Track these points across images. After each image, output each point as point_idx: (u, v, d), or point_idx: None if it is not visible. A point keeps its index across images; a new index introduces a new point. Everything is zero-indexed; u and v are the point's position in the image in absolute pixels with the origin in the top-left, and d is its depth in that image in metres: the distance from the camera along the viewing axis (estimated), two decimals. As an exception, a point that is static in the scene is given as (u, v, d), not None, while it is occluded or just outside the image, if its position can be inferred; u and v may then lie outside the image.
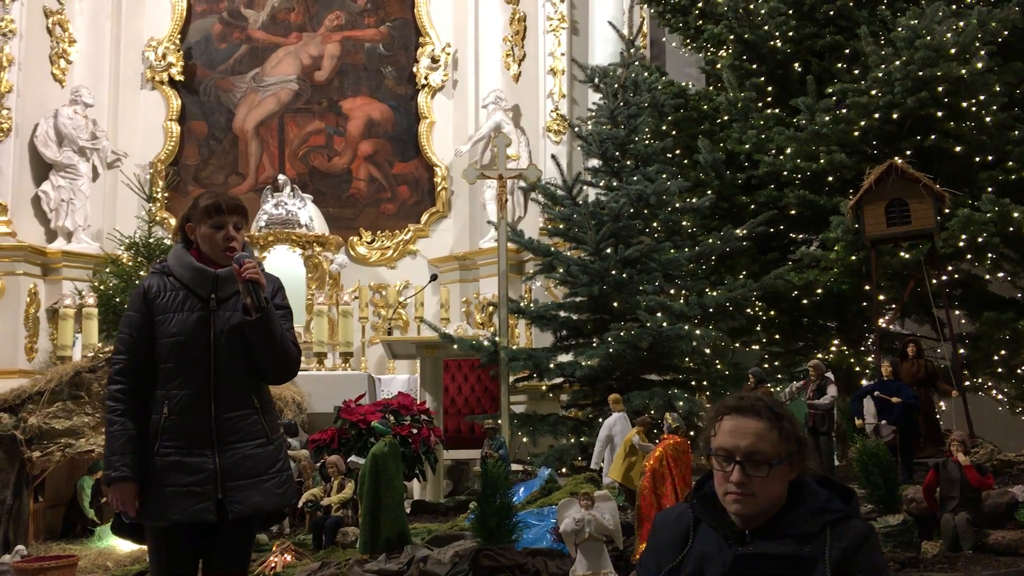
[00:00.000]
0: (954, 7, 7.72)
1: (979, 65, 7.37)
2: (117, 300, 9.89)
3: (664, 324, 7.35)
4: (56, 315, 10.08)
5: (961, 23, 7.39)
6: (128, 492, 3.07)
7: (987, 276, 7.98)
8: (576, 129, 9.06)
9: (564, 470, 7.39)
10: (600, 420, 6.75)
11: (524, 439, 8.05)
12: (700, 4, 9.54)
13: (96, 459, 7.88)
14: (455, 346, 8.18)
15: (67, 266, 10.84)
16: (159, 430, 3.11)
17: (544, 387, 8.80)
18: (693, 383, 7.88)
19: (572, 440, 7.56)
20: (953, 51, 7.30)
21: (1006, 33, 7.68)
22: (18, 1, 10.89)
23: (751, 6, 8.52)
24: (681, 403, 7.14)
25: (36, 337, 10.55)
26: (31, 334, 10.53)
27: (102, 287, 10.30)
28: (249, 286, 3.09)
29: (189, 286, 3.19)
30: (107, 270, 10.64)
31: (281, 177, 11.65)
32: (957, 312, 8.17)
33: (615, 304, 7.81)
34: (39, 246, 10.82)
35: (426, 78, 12.64)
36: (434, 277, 10.83)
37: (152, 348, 3.16)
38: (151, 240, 10.67)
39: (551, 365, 7.90)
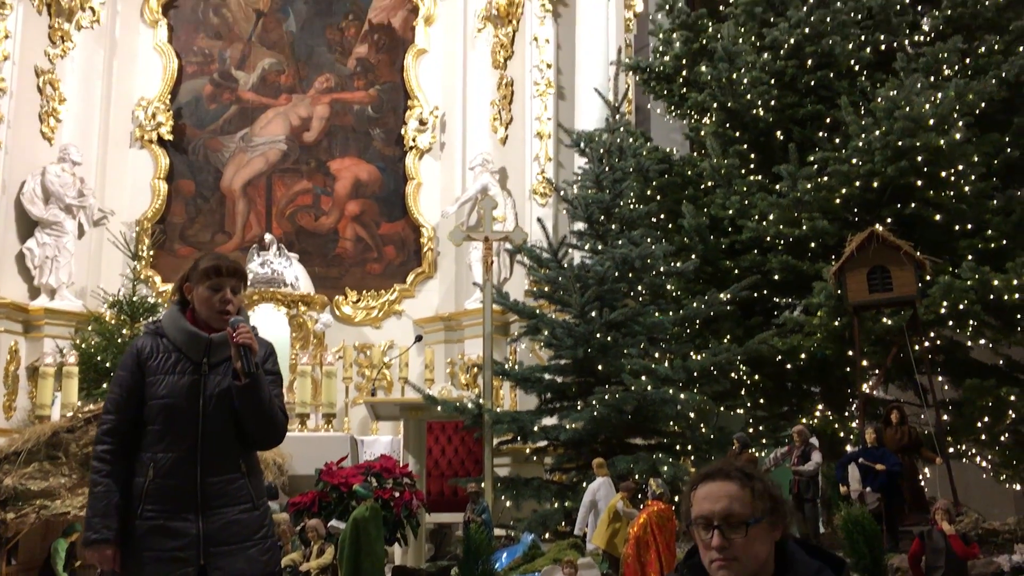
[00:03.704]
0: (932, 79, 7.90)
1: (957, 136, 7.52)
2: (99, 358, 9.81)
3: (649, 388, 7.35)
4: (36, 373, 9.98)
5: (939, 95, 7.56)
6: (108, 555, 3.02)
7: (969, 343, 8.04)
8: (562, 193, 9.16)
9: (548, 535, 7.31)
10: (584, 484, 6.71)
11: (507, 503, 7.98)
12: (684, 73, 9.73)
13: (72, 521, 7.73)
14: (439, 408, 8.14)
15: (49, 324, 10.76)
16: (143, 493, 3.07)
17: (528, 450, 8.75)
18: (678, 447, 7.85)
19: (556, 505, 7.50)
20: (932, 122, 7.46)
21: (983, 105, 7.86)
22: (9, 60, 10.99)
23: (734, 76, 8.69)
24: (666, 468, 7.11)
25: (15, 395, 10.43)
26: (10, 392, 10.40)
27: (84, 345, 10.21)
28: (241, 350, 3.08)
29: (182, 349, 3.18)
30: (89, 328, 10.56)
31: (268, 236, 11.66)
32: (940, 378, 8.21)
33: (600, 367, 7.81)
34: (21, 303, 10.75)
35: (414, 140, 12.76)
36: (419, 338, 10.81)
37: (141, 409, 3.13)
38: (135, 298, 10.62)
39: (535, 428, 7.87)
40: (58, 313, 10.85)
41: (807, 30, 8.52)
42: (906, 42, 8.62)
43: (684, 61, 9.74)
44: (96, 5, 11.97)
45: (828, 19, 8.44)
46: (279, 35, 12.94)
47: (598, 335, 7.74)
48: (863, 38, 8.60)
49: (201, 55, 12.73)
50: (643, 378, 7.43)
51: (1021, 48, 8.37)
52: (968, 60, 8.41)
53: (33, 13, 11.46)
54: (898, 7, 8.62)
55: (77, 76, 11.79)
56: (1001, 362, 8.14)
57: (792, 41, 8.60)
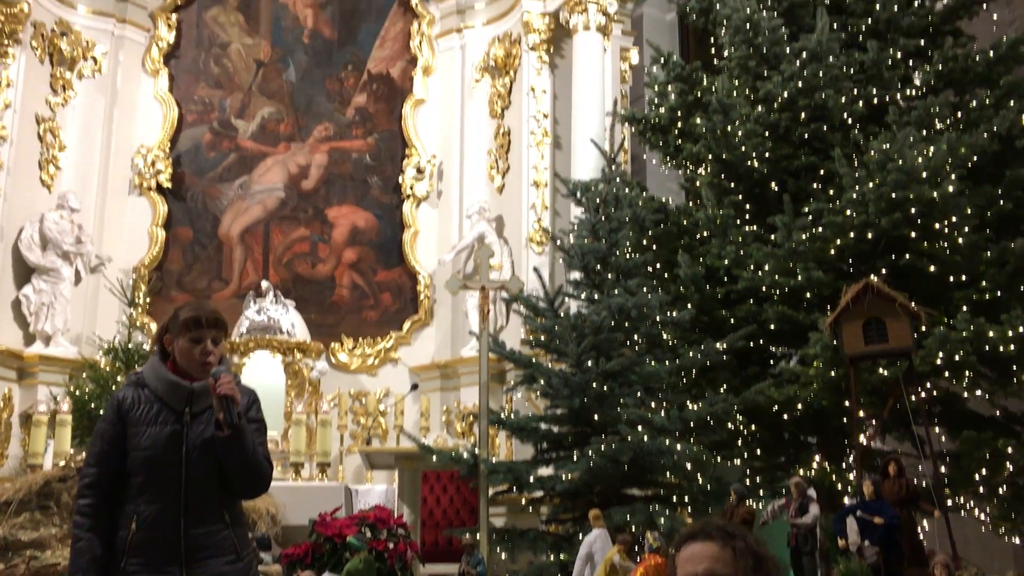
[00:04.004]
0: (924, 132, 7.99)
1: (950, 188, 7.59)
2: (92, 406, 9.75)
3: (645, 438, 7.32)
4: (29, 421, 9.91)
5: (931, 148, 7.64)
6: None
7: (965, 394, 8.04)
8: (558, 242, 9.20)
9: (544, 589, 7.23)
10: (581, 536, 6.66)
11: (503, 555, 7.90)
12: (679, 124, 9.83)
13: (61, 572, 7.63)
14: (434, 458, 8.09)
15: (43, 370, 10.71)
16: (126, 547, 3.03)
17: (524, 500, 8.68)
18: (675, 499, 7.80)
19: (552, 557, 7.43)
20: (924, 174, 7.53)
21: (975, 158, 7.94)
22: (11, 108, 11.08)
23: (729, 128, 8.78)
24: (663, 520, 7.06)
25: (7, 443, 10.35)
26: (2, 440, 10.33)
27: (78, 392, 10.16)
28: (223, 402, 3.07)
29: (164, 399, 3.17)
30: (84, 375, 10.52)
31: (264, 283, 11.67)
32: (937, 429, 8.19)
33: (596, 417, 7.79)
34: (16, 350, 10.72)
35: (411, 188, 12.83)
36: (415, 387, 10.78)
37: (124, 462, 3.11)
38: (130, 345, 10.59)
39: (531, 479, 7.82)
40: (53, 360, 10.81)
41: (800, 84, 8.63)
42: (898, 96, 8.73)
43: (679, 113, 9.85)
44: (98, 55, 12.11)
45: (821, 73, 8.55)
46: (279, 85, 13.08)
47: (594, 385, 7.73)
48: (856, 92, 8.71)
49: (201, 104, 12.85)
50: (639, 428, 7.40)
51: (1012, 102, 8.49)
52: (960, 114, 8.52)
53: (35, 62, 11.59)
54: (890, 61, 8.74)
55: (78, 124, 11.89)
56: (998, 413, 8.13)
57: (786, 94, 8.71)
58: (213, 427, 3.10)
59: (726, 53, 9.55)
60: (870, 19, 9.06)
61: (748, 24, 9.06)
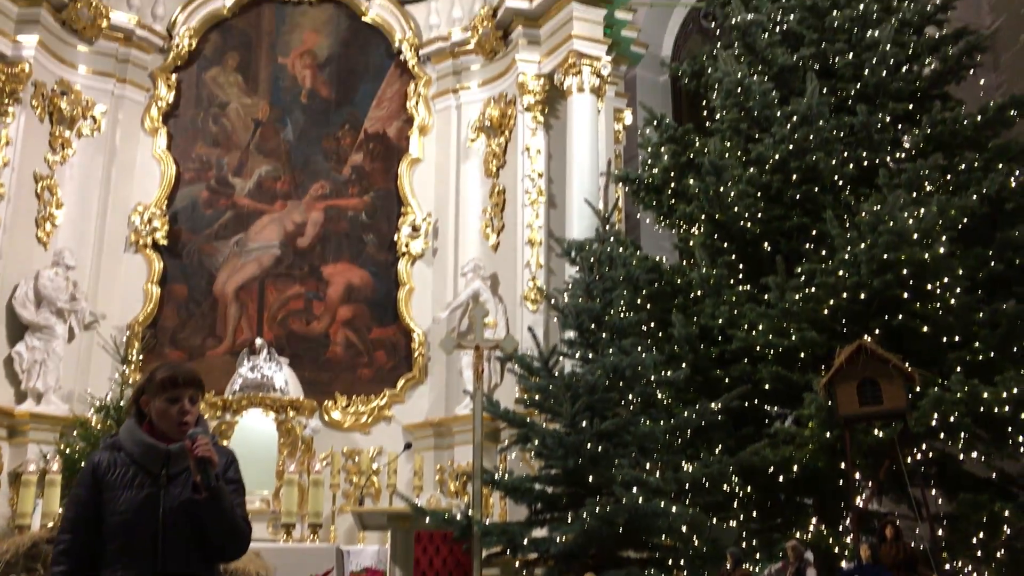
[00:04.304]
0: (914, 195, 8.07)
1: (941, 249, 7.65)
2: (82, 465, 9.64)
3: (640, 500, 7.26)
4: (18, 480, 9.81)
5: (922, 210, 7.72)
6: None
7: (961, 455, 8.00)
8: (552, 301, 9.22)
9: (538, 654, 7.11)
10: (575, 601, 6.56)
11: (496, 619, 7.78)
12: (672, 184, 9.92)
13: (46, 636, 7.50)
14: (427, 519, 8.01)
15: (34, 428, 10.64)
16: None
17: (518, 563, 8.57)
18: (670, 561, 7.70)
19: (546, 623, 7.31)
20: (915, 236, 7.59)
21: (966, 220, 8.01)
22: (9, 166, 11.16)
23: (721, 188, 8.87)
24: (658, 583, 6.97)
25: (-5, 503, 10.25)
26: (-10, 499, 10.22)
27: (68, 451, 10.08)
28: (200, 464, 3.05)
29: (139, 462, 3.14)
30: (75, 433, 10.44)
31: (258, 341, 11.65)
32: (934, 492, 8.13)
33: (591, 478, 7.72)
34: (7, 407, 10.65)
35: (407, 246, 12.88)
36: (408, 446, 10.72)
37: (99, 527, 3.07)
38: (122, 403, 10.53)
39: (525, 541, 7.73)
40: (43, 418, 10.75)
41: (791, 146, 8.74)
42: (888, 158, 8.84)
43: (672, 173, 9.96)
44: (98, 114, 12.24)
45: (812, 136, 8.67)
46: (276, 143, 13.21)
47: (588, 445, 7.68)
48: (846, 154, 8.81)
49: (199, 162, 12.96)
50: (634, 489, 7.34)
51: (1000, 165, 8.60)
52: (949, 176, 8.61)
53: (35, 121, 11.71)
54: (879, 125, 8.87)
55: (75, 182, 11.97)
56: (994, 475, 8.08)
57: (777, 156, 8.82)
58: (190, 489, 3.07)
59: (718, 115, 9.69)
60: (859, 83, 9.21)
61: (739, 88, 9.21)
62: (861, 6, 9.26)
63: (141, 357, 11.82)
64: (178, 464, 3.13)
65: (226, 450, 3.28)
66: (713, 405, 8.09)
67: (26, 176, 11.47)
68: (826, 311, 7.97)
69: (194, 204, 12.82)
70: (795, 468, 7.90)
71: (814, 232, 8.76)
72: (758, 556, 7.88)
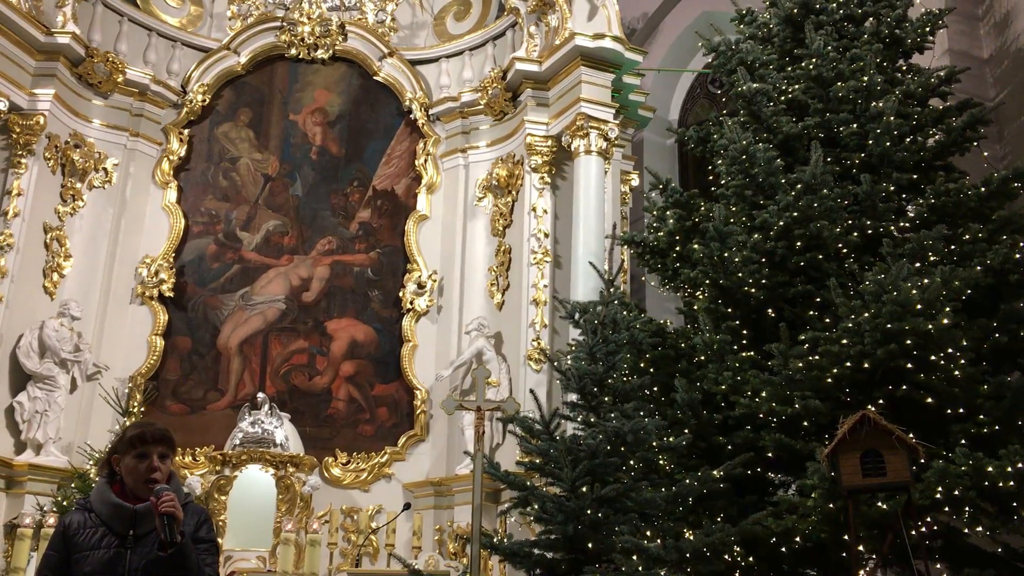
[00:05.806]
0: (918, 264, 8.07)
1: (945, 321, 7.61)
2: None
3: (640, 568, 7.15)
4: (14, 532, 9.73)
5: (926, 280, 7.70)
6: None
7: (966, 529, 7.88)
8: (555, 364, 9.20)
9: None
10: (572, 673, 6.44)
11: None
12: (677, 248, 9.94)
13: None
14: (424, 583, 7.91)
15: (32, 480, 10.59)
16: None
17: (515, 630, 8.44)
18: (670, 633, 7.57)
19: None
20: (919, 306, 7.56)
21: (969, 291, 7.99)
22: (20, 217, 11.27)
23: (726, 254, 8.88)
24: (657, 656, 6.84)
25: (-10, 555, 10.15)
26: (-16, 552, 10.13)
27: (65, 503, 10.02)
28: (164, 519, 3.04)
29: (107, 523, 3.14)
30: (72, 485, 10.38)
31: (260, 395, 11.62)
32: (938, 565, 8.00)
33: (590, 544, 7.62)
34: (6, 458, 10.61)
35: (411, 303, 12.92)
36: (407, 506, 10.62)
37: None
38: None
39: (523, 608, 7.61)
40: (42, 469, 10.70)
41: (796, 214, 8.76)
42: (892, 228, 8.84)
43: (677, 237, 9.97)
44: (109, 166, 12.40)
45: (816, 204, 8.69)
46: (285, 199, 13.34)
47: (589, 511, 7.60)
48: (850, 223, 8.82)
49: (208, 215, 13.08)
50: (634, 557, 7.24)
51: (1004, 237, 8.60)
52: (953, 247, 8.61)
53: (47, 172, 11.85)
54: (883, 194, 8.90)
55: (85, 233, 12.08)
56: (999, 550, 7.95)
57: (781, 223, 8.83)
58: (157, 548, 3.07)
59: (723, 181, 9.74)
60: (863, 153, 9.26)
61: (744, 155, 9.27)
62: (866, 78, 9.34)
63: (142, 409, 11.81)
64: (146, 525, 3.14)
65: (199, 509, 3.29)
66: (715, 472, 8.01)
67: (36, 227, 11.58)
68: (829, 379, 7.92)
69: (201, 257, 12.90)
70: (798, 539, 7.79)
71: (818, 300, 8.74)
72: (760, 629, 7.74)
